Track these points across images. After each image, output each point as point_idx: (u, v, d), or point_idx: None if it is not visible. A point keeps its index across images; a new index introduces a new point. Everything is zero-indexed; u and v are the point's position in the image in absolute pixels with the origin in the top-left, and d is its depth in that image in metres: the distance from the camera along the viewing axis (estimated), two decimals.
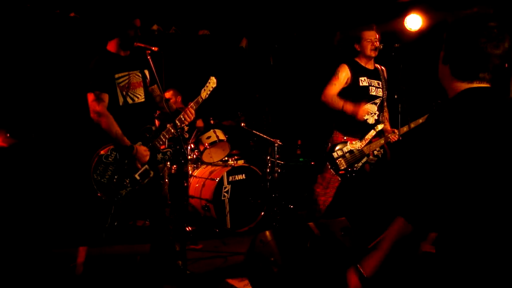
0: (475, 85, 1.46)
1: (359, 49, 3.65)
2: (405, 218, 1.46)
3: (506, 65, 1.44)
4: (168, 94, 5.32)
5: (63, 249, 3.46)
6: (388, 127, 3.77)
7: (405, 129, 3.66)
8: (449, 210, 1.36)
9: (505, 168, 1.33)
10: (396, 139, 3.63)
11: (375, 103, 3.68)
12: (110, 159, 2.77)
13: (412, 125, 3.61)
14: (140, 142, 2.90)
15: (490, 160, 1.33)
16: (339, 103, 3.57)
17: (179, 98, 5.42)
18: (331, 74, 3.70)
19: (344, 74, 3.62)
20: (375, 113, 3.67)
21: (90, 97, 2.77)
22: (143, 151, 2.86)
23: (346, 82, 3.63)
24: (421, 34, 4.65)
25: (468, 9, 1.50)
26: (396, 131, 3.62)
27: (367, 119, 3.64)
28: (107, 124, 2.75)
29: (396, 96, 3.78)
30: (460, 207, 1.36)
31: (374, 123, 3.67)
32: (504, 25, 1.42)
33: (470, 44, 1.42)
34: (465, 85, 1.47)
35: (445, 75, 1.52)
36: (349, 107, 3.55)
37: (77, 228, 2.96)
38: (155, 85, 3.09)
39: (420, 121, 3.63)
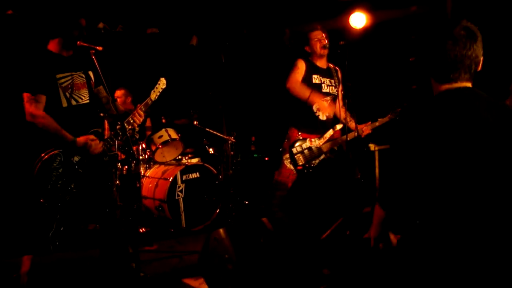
0: (451, 86, 1.54)
1: (309, 50, 3.77)
2: (378, 203, 1.57)
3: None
4: (119, 93, 5.19)
5: (4, 259, 3.32)
6: (353, 125, 3.75)
7: (364, 126, 3.74)
8: (423, 200, 1.46)
9: (470, 161, 1.43)
10: (354, 136, 3.68)
11: (326, 101, 3.78)
12: (54, 164, 2.68)
13: (377, 124, 3.75)
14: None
15: (457, 155, 1.43)
16: (306, 91, 3.60)
17: (129, 99, 5.31)
18: (286, 68, 3.75)
19: (302, 66, 3.70)
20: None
21: (25, 98, 2.67)
22: (91, 139, 2.76)
23: (302, 76, 3.69)
24: (365, 32, 4.83)
25: (407, 8, 1.61)
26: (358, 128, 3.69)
27: (319, 115, 3.74)
28: (43, 123, 2.65)
29: (342, 92, 3.92)
30: (436, 199, 1.45)
31: (325, 119, 3.77)
32: (469, 28, 1.50)
33: (439, 48, 1.51)
34: (441, 87, 1.56)
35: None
36: (316, 98, 3.60)
37: (20, 236, 2.84)
38: (101, 86, 3.02)
39: (387, 119, 3.73)
